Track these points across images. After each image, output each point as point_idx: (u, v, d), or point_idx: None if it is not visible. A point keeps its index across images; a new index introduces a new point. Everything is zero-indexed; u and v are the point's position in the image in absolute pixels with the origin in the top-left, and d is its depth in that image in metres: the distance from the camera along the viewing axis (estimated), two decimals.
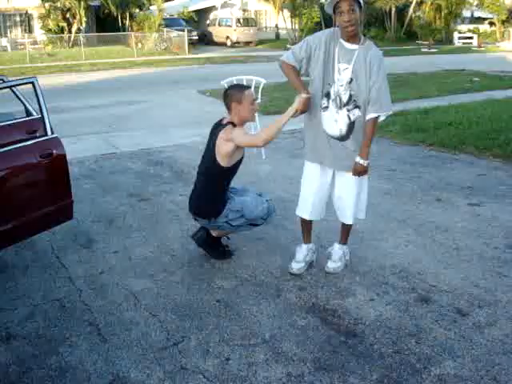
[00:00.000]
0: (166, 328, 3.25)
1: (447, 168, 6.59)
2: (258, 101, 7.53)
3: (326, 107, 3.55)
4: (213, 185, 3.92)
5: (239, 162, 3.92)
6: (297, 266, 3.91)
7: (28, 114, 4.70)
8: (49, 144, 3.86)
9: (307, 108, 3.55)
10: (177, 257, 4.23)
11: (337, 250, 3.93)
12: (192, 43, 31.48)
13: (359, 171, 3.58)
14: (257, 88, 7.64)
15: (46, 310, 3.53)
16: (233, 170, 3.92)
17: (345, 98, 3.47)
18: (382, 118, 3.55)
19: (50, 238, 4.63)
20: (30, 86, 3.88)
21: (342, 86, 3.46)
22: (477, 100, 11.58)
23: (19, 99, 4.62)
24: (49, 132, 3.89)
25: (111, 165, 7.12)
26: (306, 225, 3.99)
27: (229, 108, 3.83)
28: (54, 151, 3.86)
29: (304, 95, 3.50)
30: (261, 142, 3.66)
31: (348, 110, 3.49)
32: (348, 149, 3.57)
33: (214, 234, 4.18)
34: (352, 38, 3.40)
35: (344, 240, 3.96)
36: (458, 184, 5.90)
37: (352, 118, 3.50)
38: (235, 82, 7.60)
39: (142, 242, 4.53)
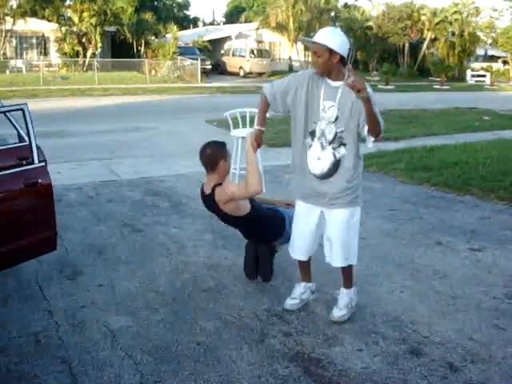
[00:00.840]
0: (140, 371, 3.09)
1: (450, 210, 6.42)
2: None
3: (311, 145, 3.49)
4: (257, 222, 4.00)
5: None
6: (291, 301, 3.83)
7: (21, 139, 4.63)
8: (34, 173, 3.77)
9: (261, 141, 3.62)
10: (162, 293, 4.08)
11: (343, 295, 3.71)
12: (205, 72, 31.75)
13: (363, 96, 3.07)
14: None
15: (20, 343, 3.39)
16: (254, 204, 3.98)
17: (330, 137, 3.39)
18: (370, 145, 3.37)
19: (36, 268, 4.50)
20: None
21: (327, 123, 3.39)
22: (486, 139, 11.43)
23: (12, 124, 4.55)
24: (35, 160, 3.80)
25: (109, 192, 7.02)
26: (301, 264, 3.88)
27: (216, 166, 3.80)
28: (40, 180, 3.77)
29: (256, 127, 3.59)
30: (259, 191, 3.67)
31: (333, 149, 3.40)
32: (332, 186, 3.46)
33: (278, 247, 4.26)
34: (333, 75, 3.34)
35: (348, 284, 3.73)
36: (460, 227, 5.72)
37: (337, 157, 3.42)
38: (238, 114, 7.55)
39: (128, 276, 4.39)
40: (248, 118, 7.77)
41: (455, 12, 36.75)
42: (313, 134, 3.46)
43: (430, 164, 8.53)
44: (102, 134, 12.15)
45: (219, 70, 36.97)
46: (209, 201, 3.90)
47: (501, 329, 3.56)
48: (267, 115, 3.69)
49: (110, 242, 5.19)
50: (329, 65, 3.27)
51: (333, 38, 3.25)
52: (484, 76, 37.72)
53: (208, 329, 3.55)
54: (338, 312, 3.66)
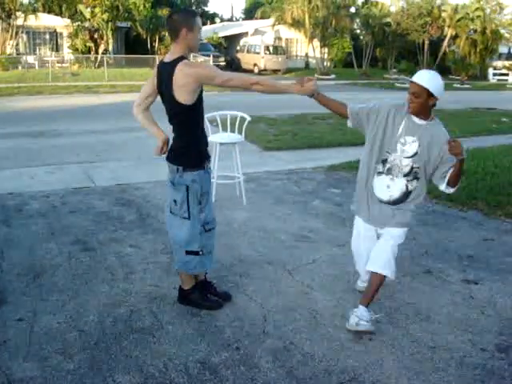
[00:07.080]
0: None
1: (450, 228, 5.68)
2: (242, 139, 6.80)
3: (381, 172, 3.59)
4: (185, 127, 3.64)
5: (201, 95, 3.54)
6: (362, 284, 3.92)
7: None
8: None
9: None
10: (85, 333, 3.44)
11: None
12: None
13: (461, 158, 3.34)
14: (241, 123, 6.91)
15: None
16: (199, 106, 3.55)
17: (406, 169, 3.50)
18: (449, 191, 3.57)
19: None
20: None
21: (406, 157, 3.49)
22: (500, 144, 10.61)
23: None
24: None
25: (76, 202, 6.42)
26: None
27: (176, 35, 3.40)
28: None
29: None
30: (255, 84, 3.49)
31: (407, 181, 3.53)
32: (397, 211, 3.57)
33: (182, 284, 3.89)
34: (421, 114, 3.43)
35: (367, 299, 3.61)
36: (457, 251, 4.98)
37: (409, 188, 3.55)
38: (218, 117, 6.92)
39: (55, 308, 3.77)
40: (229, 122, 7.13)
41: (477, 9, 35.39)
42: (384, 162, 3.56)
43: None
44: (93, 134, 11.59)
45: (234, 66, 36.32)
46: (170, 64, 3.38)
47: None
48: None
49: (52, 263, 4.58)
50: (424, 106, 3.38)
51: (433, 82, 3.34)
52: (507, 75, 36.42)
53: None
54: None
